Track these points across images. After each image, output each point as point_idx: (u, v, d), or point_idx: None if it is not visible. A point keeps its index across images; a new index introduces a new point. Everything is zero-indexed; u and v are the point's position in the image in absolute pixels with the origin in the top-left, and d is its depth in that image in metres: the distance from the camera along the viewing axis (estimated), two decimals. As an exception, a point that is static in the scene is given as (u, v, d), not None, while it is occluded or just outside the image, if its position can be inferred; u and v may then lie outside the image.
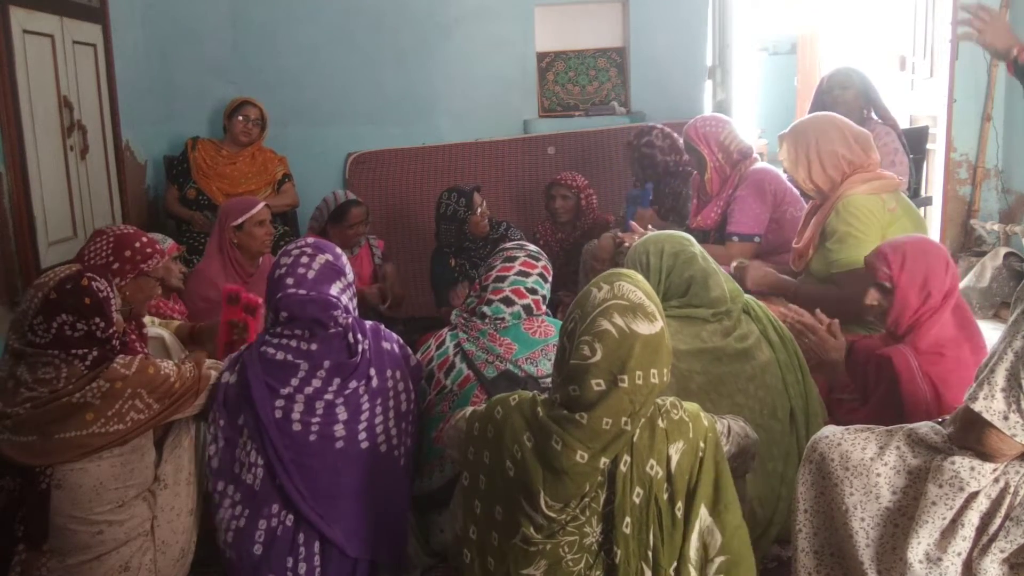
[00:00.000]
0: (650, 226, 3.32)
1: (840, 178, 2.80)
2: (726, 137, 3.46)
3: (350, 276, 2.29)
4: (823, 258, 2.83)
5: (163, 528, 2.15)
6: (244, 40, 4.91)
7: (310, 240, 2.31)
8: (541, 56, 5.08)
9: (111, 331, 2.08)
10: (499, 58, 4.96)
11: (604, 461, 1.62)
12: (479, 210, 3.76)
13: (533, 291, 2.51)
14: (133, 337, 2.39)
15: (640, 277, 1.74)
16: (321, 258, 2.23)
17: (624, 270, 1.77)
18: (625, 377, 1.59)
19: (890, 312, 2.28)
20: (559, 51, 5.12)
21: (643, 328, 1.60)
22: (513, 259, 2.57)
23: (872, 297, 2.31)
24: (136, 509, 2.10)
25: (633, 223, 3.34)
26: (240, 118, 4.33)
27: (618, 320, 1.60)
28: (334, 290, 2.20)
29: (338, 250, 2.31)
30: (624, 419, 1.61)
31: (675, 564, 1.66)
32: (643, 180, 4.02)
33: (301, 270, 2.20)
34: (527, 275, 2.53)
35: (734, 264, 3.10)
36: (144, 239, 2.57)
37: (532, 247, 2.66)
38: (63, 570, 2.02)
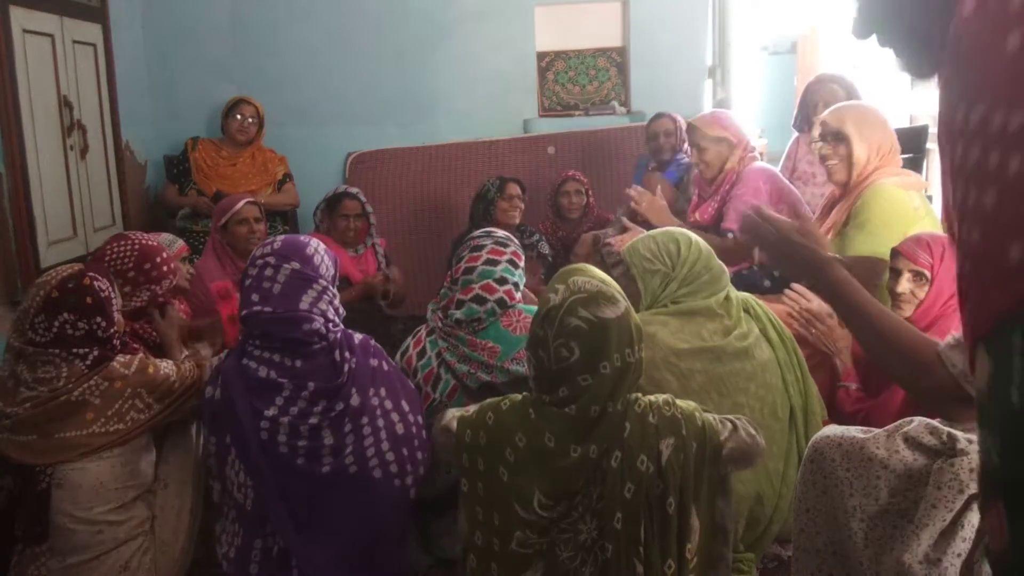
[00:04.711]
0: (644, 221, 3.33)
1: (869, 166, 2.77)
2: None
3: (327, 277, 2.10)
4: (841, 243, 2.78)
5: (163, 528, 2.15)
6: (244, 40, 4.90)
7: (277, 244, 2.10)
8: (541, 56, 5.07)
9: (112, 331, 2.08)
10: (499, 58, 4.95)
11: (593, 448, 1.64)
12: (513, 199, 3.78)
13: (503, 281, 2.40)
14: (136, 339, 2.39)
15: (593, 269, 1.76)
16: (287, 268, 2.04)
17: (575, 266, 1.80)
18: (606, 363, 1.64)
19: (924, 301, 2.27)
20: (559, 51, 5.11)
21: (609, 312, 1.65)
22: (480, 247, 2.46)
23: (904, 285, 2.29)
24: (136, 509, 2.10)
25: (637, 190, 3.43)
26: (236, 116, 4.33)
27: (584, 313, 1.65)
28: (305, 302, 2.03)
29: (310, 249, 2.10)
30: (607, 402, 1.66)
31: (672, 563, 1.66)
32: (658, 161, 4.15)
33: (266, 284, 2.03)
34: (495, 263, 2.42)
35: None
36: (164, 255, 2.57)
37: (500, 233, 2.54)
38: (63, 569, 2.03)
